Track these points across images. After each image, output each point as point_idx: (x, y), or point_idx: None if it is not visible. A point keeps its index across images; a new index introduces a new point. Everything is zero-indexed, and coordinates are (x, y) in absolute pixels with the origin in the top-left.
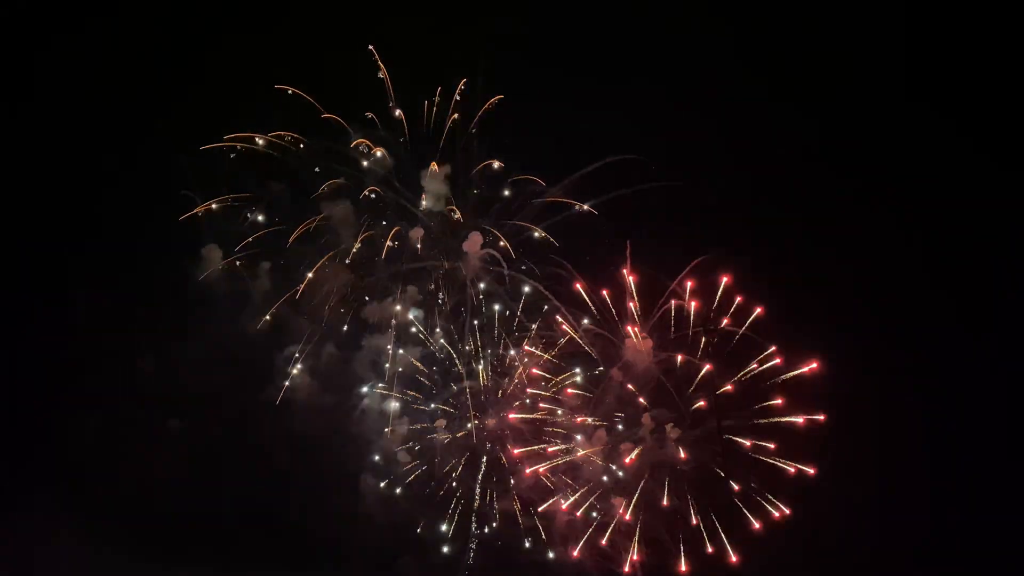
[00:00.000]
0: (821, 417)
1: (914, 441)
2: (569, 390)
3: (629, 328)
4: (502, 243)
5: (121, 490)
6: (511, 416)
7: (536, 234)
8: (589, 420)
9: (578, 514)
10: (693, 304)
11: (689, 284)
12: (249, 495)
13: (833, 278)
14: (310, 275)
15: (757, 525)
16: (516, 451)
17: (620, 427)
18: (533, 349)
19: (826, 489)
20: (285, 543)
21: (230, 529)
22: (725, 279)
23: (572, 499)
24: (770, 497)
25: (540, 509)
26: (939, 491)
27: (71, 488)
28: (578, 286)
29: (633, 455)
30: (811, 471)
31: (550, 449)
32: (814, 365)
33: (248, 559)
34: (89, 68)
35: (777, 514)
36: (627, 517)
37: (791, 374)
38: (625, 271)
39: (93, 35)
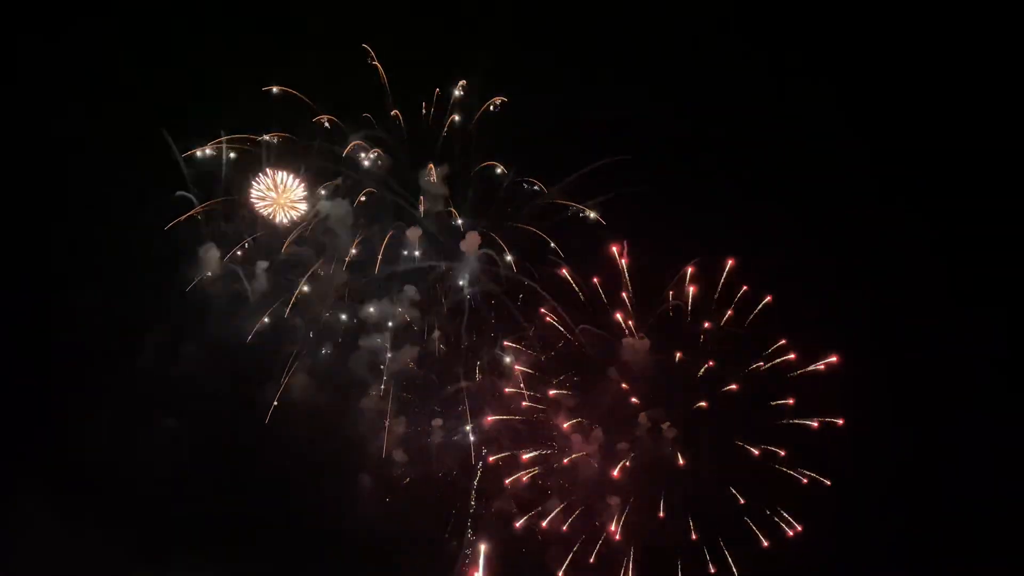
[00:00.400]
0: (839, 421)
1: (945, 449)
2: (552, 392)
3: (619, 316)
4: (499, 244)
5: (118, 489)
6: (489, 418)
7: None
8: (583, 421)
9: (564, 528)
10: (692, 289)
11: (690, 269)
12: (246, 494)
13: (853, 265)
14: (304, 282)
15: (765, 543)
16: (491, 458)
17: (614, 427)
18: (516, 345)
19: (843, 503)
20: (282, 542)
21: (227, 528)
22: (730, 262)
23: (554, 513)
24: (780, 510)
25: (518, 525)
26: (972, 505)
27: (67, 486)
28: (565, 271)
29: (626, 462)
30: (827, 482)
31: (525, 456)
32: (833, 359)
33: (244, 558)
34: (87, 68)
35: (790, 532)
36: (617, 536)
37: (806, 370)
38: (615, 249)
39: (90, 34)
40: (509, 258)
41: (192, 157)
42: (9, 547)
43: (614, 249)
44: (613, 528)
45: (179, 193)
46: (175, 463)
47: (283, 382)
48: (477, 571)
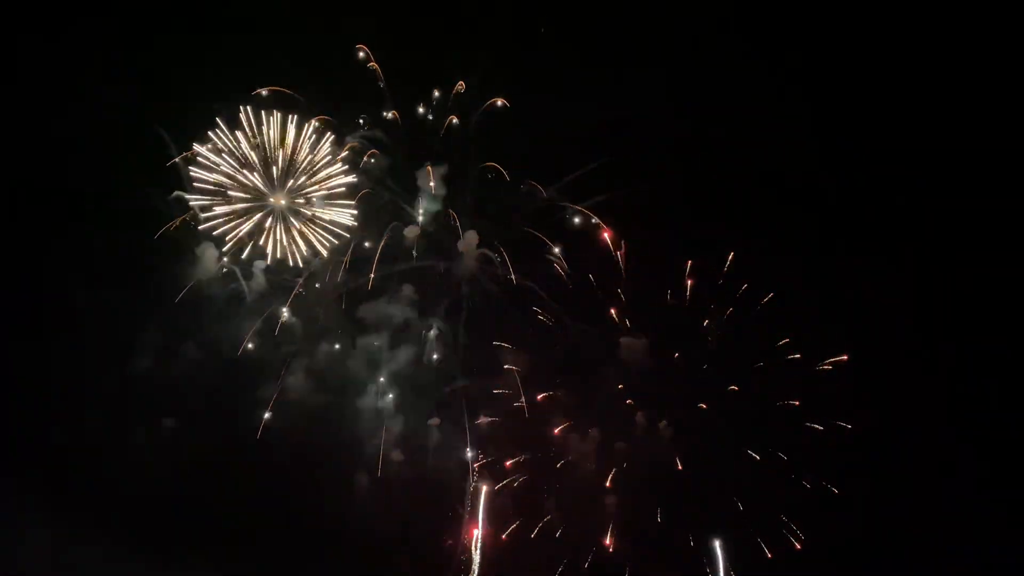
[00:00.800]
0: (848, 425)
1: (961, 456)
2: (548, 392)
3: (617, 315)
4: (497, 244)
5: (117, 489)
6: (486, 419)
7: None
8: (573, 423)
9: (558, 533)
10: (690, 283)
11: (689, 263)
12: (243, 493)
13: (856, 264)
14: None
15: (769, 554)
16: (487, 459)
17: (612, 428)
18: (513, 346)
19: (851, 513)
20: (278, 541)
21: (224, 527)
22: (730, 255)
23: (549, 517)
24: (784, 519)
25: (504, 536)
26: (986, 514)
27: (66, 487)
28: (562, 271)
29: (624, 463)
30: (835, 490)
31: (520, 458)
32: (843, 357)
33: (241, 557)
34: (87, 68)
35: (797, 544)
36: (611, 549)
37: (812, 370)
38: (614, 249)
39: (90, 35)
40: (507, 258)
41: (190, 157)
42: (8, 548)
43: (612, 248)
44: (609, 532)
45: (176, 193)
46: (174, 463)
47: (280, 382)
48: (477, 528)
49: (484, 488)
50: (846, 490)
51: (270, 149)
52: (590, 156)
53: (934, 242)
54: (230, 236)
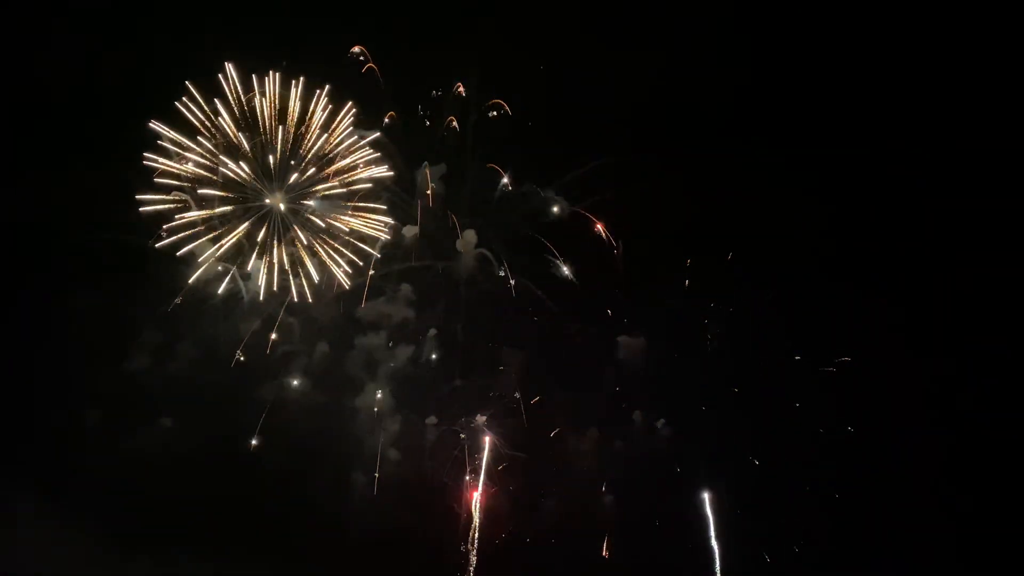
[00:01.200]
0: (849, 427)
1: (962, 460)
2: (546, 391)
3: (615, 314)
4: (495, 243)
5: (115, 490)
6: (484, 418)
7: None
8: (570, 425)
9: (554, 541)
10: (686, 282)
11: (688, 261)
12: (240, 493)
13: (859, 263)
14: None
15: (768, 559)
16: (485, 459)
17: (609, 428)
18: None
19: (854, 517)
20: (275, 541)
21: (221, 527)
22: (730, 255)
23: (546, 517)
24: (783, 523)
25: (510, 529)
26: (987, 516)
27: (64, 487)
28: (560, 270)
29: (620, 463)
30: (835, 495)
31: (518, 458)
32: (847, 358)
33: (239, 557)
34: (81, 66)
35: (796, 548)
36: (607, 554)
37: (813, 372)
38: (612, 248)
39: (86, 33)
40: (505, 258)
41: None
42: (8, 548)
43: (611, 247)
44: (607, 533)
45: (175, 192)
46: (173, 464)
47: (278, 381)
48: (476, 491)
49: (488, 441)
50: (847, 494)
51: (265, 127)
52: (590, 156)
53: (937, 242)
54: (204, 257)
